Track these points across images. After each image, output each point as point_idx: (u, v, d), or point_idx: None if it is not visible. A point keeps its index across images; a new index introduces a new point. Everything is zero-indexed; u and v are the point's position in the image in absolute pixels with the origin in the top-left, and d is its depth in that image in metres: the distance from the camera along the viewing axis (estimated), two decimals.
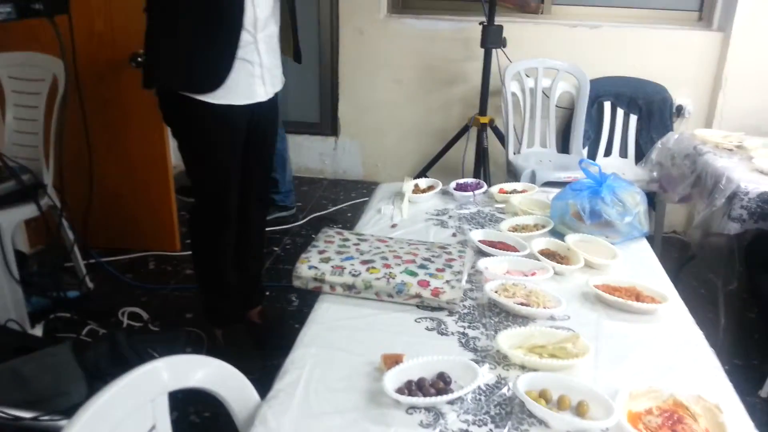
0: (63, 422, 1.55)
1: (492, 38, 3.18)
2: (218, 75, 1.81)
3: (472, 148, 3.43)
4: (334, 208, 3.67)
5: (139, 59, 2.57)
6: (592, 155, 3.48)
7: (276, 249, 3.15)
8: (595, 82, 3.37)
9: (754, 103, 3.40)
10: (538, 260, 1.49)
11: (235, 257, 2.14)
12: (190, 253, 2.21)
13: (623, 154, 3.49)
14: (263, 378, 1.12)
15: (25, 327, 2.26)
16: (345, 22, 3.76)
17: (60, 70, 2.32)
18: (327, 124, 4.00)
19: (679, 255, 3.17)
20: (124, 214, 2.96)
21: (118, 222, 2.97)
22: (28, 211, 2.32)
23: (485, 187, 1.99)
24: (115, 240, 3.00)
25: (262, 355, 2.12)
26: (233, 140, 1.96)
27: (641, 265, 1.55)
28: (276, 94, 2.05)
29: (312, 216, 3.56)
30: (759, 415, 2.12)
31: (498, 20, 3.19)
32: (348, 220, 3.51)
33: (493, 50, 3.26)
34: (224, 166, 1.97)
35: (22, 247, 2.81)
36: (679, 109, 3.51)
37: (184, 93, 1.83)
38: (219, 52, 1.81)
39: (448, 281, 1.33)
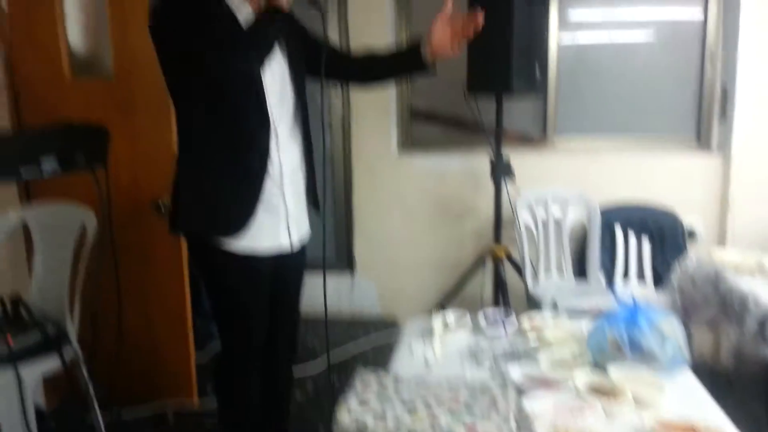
0: None
1: (501, 171, 3.31)
2: (240, 218, 1.81)
3: (489, 279, 3.44)
4: (356, 352, 3.54)
5: (159, 205, 2.65)
6: (608, 281, 3.47)
7: (298, 395, 3.04)
8: (603, 210, 3.43)
9: (763, 219, 3.44)
10: (583, 397, 1.45)
11: (262, 409, 2.05)
12: (209, 407, 2.09)
13: (640, 278, 3.49)
14: None
15: None
16: (357, 160, 3.92)
17: (90, 220, 2.37)
18: (343, 260, 4.04)
19: (710, 382, 3.06)
20: (142, 364, 2.88)
21: (136, 372, 2.88)
22: (51, 364, 2.25)
23: (515, 320, 1.98)
24: (132, 390, 2.90)
25: None
26: (257, 289, 1.92)
27: (690, 398, 1.50)
28: (303, 246, 2.05)
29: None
30: None
31: (504, 153, 3.33)
32: (369, 362, 3.38)
33: (503, 182, 3.37)
34: (248, 315, 1.93)
35: (39, 402, 2.71)
36: (691, 233, 3.54)
37: (207, 239, 1.84)
38: (242, 197, 1.81)
39: (498, 426, 1.28)
